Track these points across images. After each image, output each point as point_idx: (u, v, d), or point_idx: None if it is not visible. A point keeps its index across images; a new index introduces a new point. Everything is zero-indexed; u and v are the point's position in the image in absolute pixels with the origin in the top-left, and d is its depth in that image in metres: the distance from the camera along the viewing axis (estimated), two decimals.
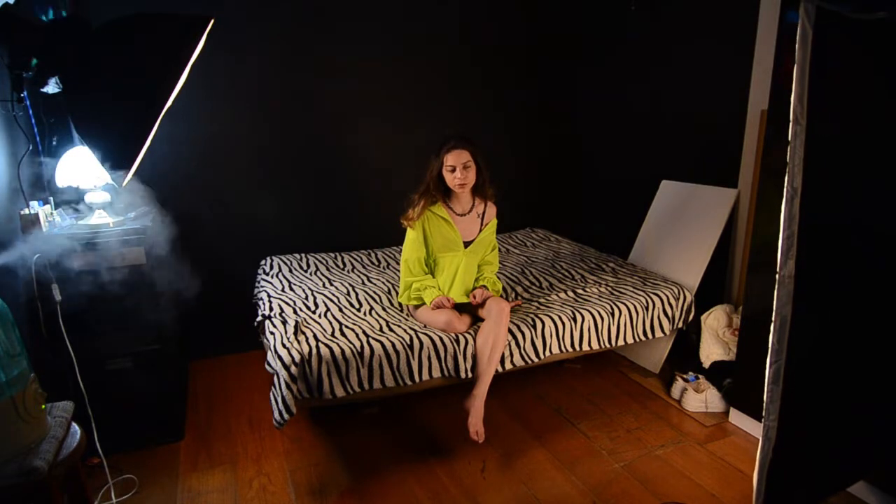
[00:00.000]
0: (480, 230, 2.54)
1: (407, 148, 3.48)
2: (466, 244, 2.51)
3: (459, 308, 2.45)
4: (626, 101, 3.59)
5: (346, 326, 2.34)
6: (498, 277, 2.66)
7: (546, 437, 2.45)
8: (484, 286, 2.51)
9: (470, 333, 2.32)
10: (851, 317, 1.60)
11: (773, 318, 1.42)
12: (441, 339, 2.27)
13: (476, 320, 2.43)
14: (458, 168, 2.36)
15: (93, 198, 2.29)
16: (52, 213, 2.24)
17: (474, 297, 2.44)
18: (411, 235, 2.49)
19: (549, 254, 3.43)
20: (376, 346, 2.17)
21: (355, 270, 3.13)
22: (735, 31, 2.80)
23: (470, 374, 2.29)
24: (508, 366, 2.37)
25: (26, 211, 2.06)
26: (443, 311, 2.36)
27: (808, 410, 1.56)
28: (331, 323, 2.37)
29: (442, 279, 2.50)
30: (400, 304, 2.63)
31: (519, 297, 2.71)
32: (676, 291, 2.74)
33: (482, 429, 2.25)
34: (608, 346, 2.60)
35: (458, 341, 2.28)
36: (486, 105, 3.79)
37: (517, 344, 2.37)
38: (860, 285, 1.59)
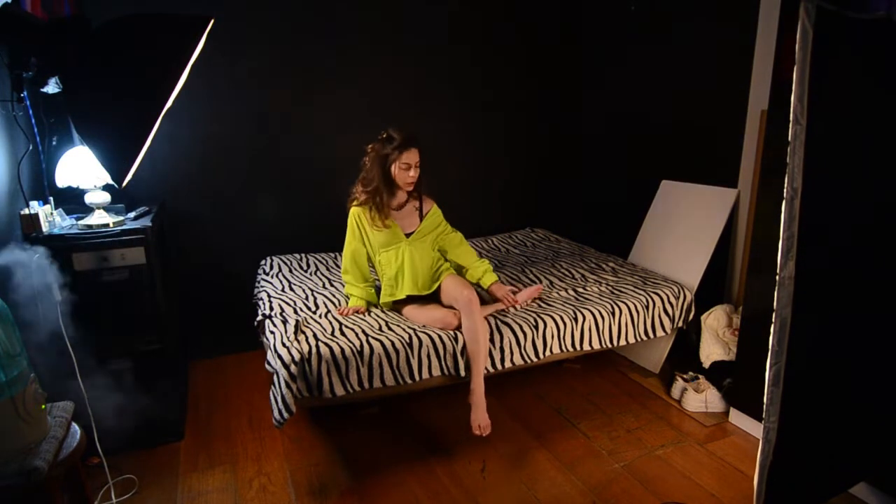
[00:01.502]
0: (420, 221, 2.56)
1: None
2: (408, 235, 2.52)
3: (425, 301, 2.48)
4: (626, 101, 3.59)
5: (346, 326, 2.34)
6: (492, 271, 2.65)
7: (546, 437, 2.45)
8: (495, 282, 2.54)
9: None
10: (851, 318, 1.60)
11: (772, 320, 1.42)
12: (440, 337, 2.27)
13: None
14: (412, 167, 2.39)
15: (93, 198, 2.28)
16: (52, 213, 2.24)
17: (508, 299, 2.48)
18: (349, 237, 2.54)
19: (549, 254, 3.43)
20: (376, 344, 2.17)
21: None
22: (735, 31, 2.79)
23: (469, 373, 2.29)
24: (508, 365, 2.37)
25: (26, 211, 2.06)
26: (437, 309, 2.39)
27: (809, 412, 1.56)
28: (331, 323, 2.37)
29: (390, 273, 2.50)
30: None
31: (541, 283, 2.68)
32: (677, 290, 2.74)
33: (487, 422, 2.23)
34: (609, 345, 2.59)
35: (456, 340, 2.28)
36: (486, 105, 3.79)
37: (518, 343, 2.37)
38: (860, 286, 1.59)
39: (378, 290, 2.62)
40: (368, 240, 2.53)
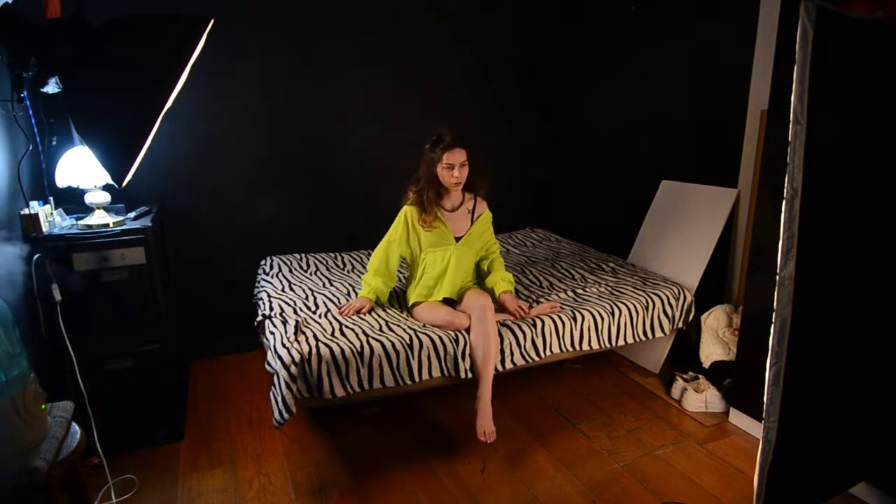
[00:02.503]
0: (471, 224, 2.56)
1: (407, 148, 3.47)
2: (457, 239, 2.52)
3: (452, 304, 2.47)
4: (627, 101, 3.59)
5: (346, 326, 2.33)
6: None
7: (546, 437, 2.45)
8: (507, 292, 2.53)
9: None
10: (852, 318, 1.60)
11: (773, 320, 1.42)
12: (441, 338, 2.27)
13: None
14: (456, 167, 2.38)
15: (93, 198, 2.28)
16: (52, 213, 2.24)
17: (519, 312, 2.45)
18: (391, 232, 2.52)
19: (549, 254, 3.43)
20: (376, 345, 2.17)
21: (355, 270, 3.13)
22: (735, 31, 2.79)
23: (470, 374, 2.29)
24: (509, 365, 2.37)
25: (26, 211, 2.06)
26: (442, 308, 2.38)
27: (809, 412, 1.56)
28: (331, 323, 2.37)
29: (433, 273, 2.50)
30: (400, 304, 2.64)
31: (555, 299, 2.67)
32: (676, 291, 2.74)
33: (492, 429, 2.24)
34: (608, 345, 2.59)
35: (457, 341, 2.28)
36: (487, 105, 3.79)
37: (518, 343, 2.38)
38: (860, 286, 1.59)
39: (393, 292, 2.63)
40: (418, 238, 2.51)
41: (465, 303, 2.42)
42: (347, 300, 2.64)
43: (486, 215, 2.62)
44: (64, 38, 1.29)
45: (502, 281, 2.56)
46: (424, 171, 2.45)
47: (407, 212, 2.51)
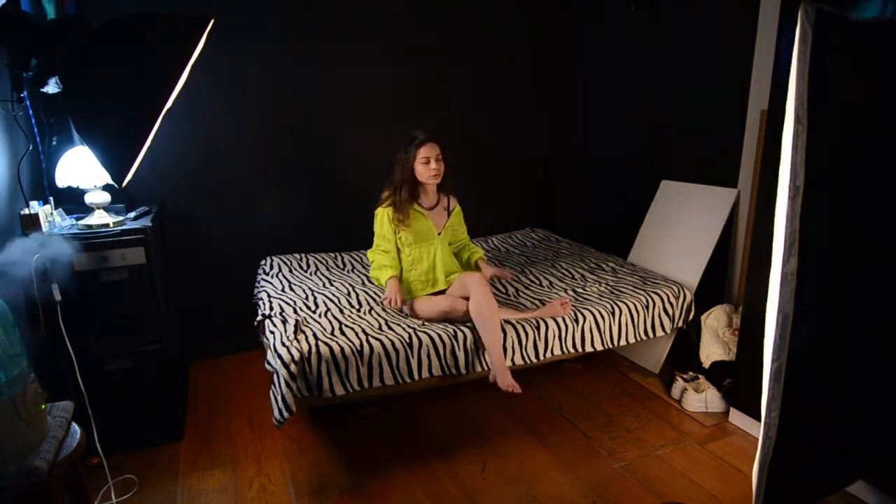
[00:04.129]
0: (448, 218, 2.66)
1: None
2: (439, 233, 2.61)
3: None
4: (626, 101, 3.59)
5: (346, 325, 2.34)
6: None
7: (546, 437, 2.45)
8: (482, 262, 2.71)
9: (469, 325, 2.34)
10: (852, 315, 1.60)
11: (775, 316, 1.42)
12: (440, 336, 2.27)
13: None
14: (432, 160, 2.46)
15: (93, 198, 2.29)
16: (52, 213, 2.24)
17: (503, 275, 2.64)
18: (381, 232, 2.56)
19: (549, 254, 3.43)
20: (375, 344, 2.17)
21: (355, 270, 3.13)
22: (735, 31, 2.80)
23: (469, 370, 2.29)
24: (508, 364, 2.37)
25: (26, 211, 2.06)
26: (441, 297, 2.45)
27: (808, 409, 1.56)
28: (330, 322, 2.37)
29: (421, 269, 2.55)
30: None
31: (566, 296, 2.70)
32: (677, 290, 2.74)
33: (513, 381, 2.23)
34: (609, 345, 2.59)
35: (456, 337, 2.28)
36: (487, 105, 3.79)
37: (519, 344, 2.38)
38: (860, 284, 1.59)
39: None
40: (399, 237, 2.56)
41: (459, 289, 2.47)
42: (348, 300, 2.64)
43: (458, 209, 2.73)
44: (64, 38, 1.29)
45: (475, 253, 2.76)
46: (398, 173, 2.53)
47: (381, 213, 2.57)
